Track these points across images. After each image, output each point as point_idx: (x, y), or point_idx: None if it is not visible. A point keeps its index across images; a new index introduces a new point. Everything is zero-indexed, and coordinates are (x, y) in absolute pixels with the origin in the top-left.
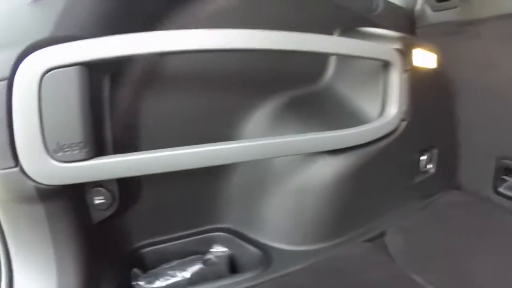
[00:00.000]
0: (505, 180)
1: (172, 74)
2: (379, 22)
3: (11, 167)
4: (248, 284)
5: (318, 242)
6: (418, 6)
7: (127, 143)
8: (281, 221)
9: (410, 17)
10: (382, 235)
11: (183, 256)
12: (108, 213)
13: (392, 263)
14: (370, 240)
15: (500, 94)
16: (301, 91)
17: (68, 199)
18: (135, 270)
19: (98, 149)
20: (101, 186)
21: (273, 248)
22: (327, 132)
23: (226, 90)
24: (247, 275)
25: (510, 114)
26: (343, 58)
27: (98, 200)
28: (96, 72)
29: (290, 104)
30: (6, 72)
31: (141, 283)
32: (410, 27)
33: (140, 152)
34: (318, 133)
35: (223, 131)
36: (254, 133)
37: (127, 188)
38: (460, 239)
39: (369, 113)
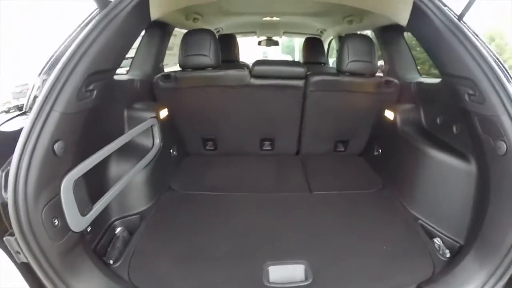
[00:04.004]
0: (206, 144)
1: None
2: (141, 95)
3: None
4: None
5: (152, 200)
6: (154, 80)
7: None
8: (137, 198)
9: (151, 86)
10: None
11: (110, 241)
12: None
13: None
14: None
15: (196, 114)
16: None
17: None
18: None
19: None
20: None
21: (140, 211)
22: (141, 162)
23: None
24: (140, 229)
25: (202, 118)
26: None
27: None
28: None
29: None
30: None
31: (111, 257)
32: (153, 92)
33: None
34: (139, 163)
35: None
36: None
37: None
38: None
39: (148, 145)
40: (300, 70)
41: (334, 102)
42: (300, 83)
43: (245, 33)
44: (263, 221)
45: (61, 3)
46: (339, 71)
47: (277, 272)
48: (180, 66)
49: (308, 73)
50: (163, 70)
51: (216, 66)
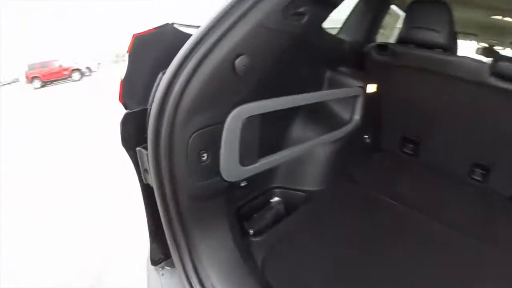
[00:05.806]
0: (405, 145)
1: None
2: (348, 60)
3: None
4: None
5: (325, 184)
6: (365, 49)
7: None
8: (310, 175)
9: (360, 55)
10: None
11: (259, 208)
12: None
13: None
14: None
15: (403, 103)
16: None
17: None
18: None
19: None
20: None
21: (308, 190)
22: (330, 133)
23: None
24: (299, 211)
25: (408, 111)
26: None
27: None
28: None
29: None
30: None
31: (254, 226)
32: (360, 62)
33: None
34: (328, 134)
35: None
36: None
37: None
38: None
39: (343, 118)
40: None
41: None
42: None
43: (462, 33)
44: (441, 260)
45: None
46: None
47: None
48: (401, 39)
49: None
50: (375, 42)
51: (448, 48)
